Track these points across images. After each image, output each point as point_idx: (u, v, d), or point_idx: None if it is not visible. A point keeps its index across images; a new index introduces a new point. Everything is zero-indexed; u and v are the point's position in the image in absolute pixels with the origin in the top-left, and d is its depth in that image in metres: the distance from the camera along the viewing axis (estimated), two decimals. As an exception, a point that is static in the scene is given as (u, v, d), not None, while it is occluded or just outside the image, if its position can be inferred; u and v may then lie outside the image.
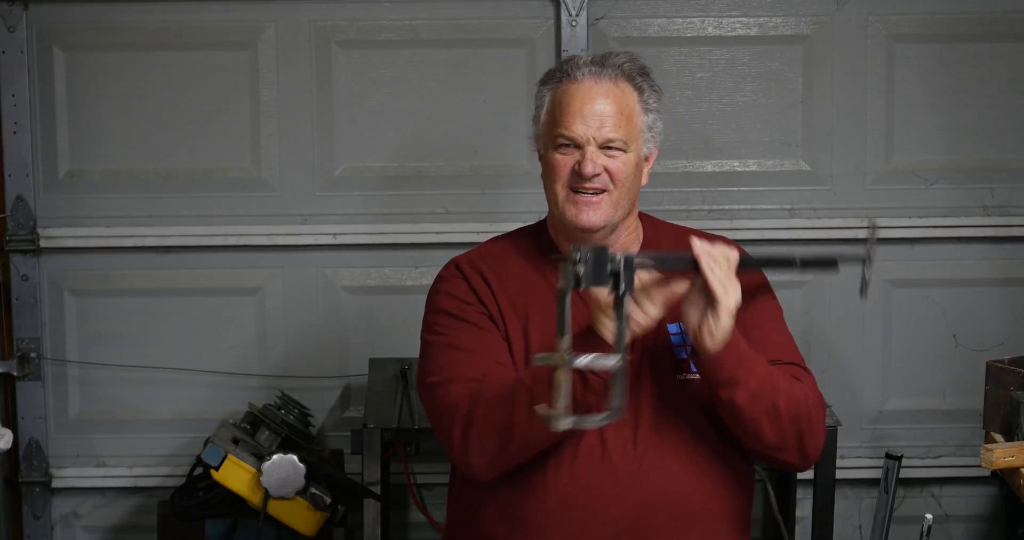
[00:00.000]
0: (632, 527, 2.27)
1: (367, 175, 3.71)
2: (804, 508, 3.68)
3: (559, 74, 2.37)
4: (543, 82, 2.40)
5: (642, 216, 2.48)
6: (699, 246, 2.18)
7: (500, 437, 2.21)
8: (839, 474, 3.45)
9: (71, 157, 3.69)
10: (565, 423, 1.97)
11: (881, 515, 3.33)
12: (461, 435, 2.25)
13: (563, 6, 3.62)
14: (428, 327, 2.41)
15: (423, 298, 2.47)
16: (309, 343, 3.77)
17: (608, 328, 2.15)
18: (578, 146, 2.31)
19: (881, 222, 3.71)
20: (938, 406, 3.81)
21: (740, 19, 3.69)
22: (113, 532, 3.86)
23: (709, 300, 2.16)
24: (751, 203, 3.70)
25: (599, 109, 2.31)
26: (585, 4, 3.62)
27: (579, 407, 2.10)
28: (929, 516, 2.98)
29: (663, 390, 2.32)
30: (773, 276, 2.47)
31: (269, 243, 3.71)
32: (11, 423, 3.72)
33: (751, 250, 2.38)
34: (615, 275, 2.06)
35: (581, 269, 2.03)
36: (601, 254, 2.05)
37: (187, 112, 3.68)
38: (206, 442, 3.32)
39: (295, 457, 3.24)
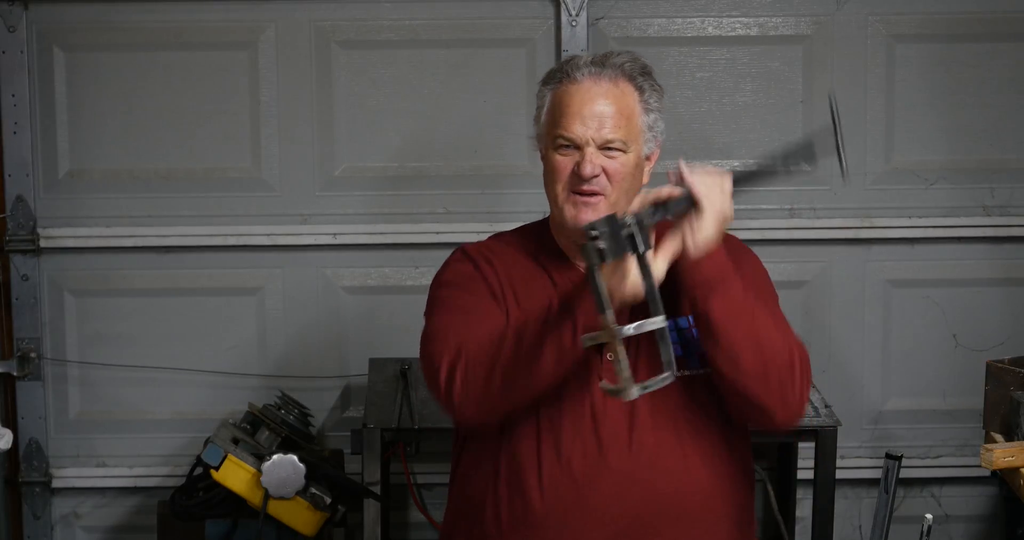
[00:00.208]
0: (631, 527, 2.26)
1: (367, 175, 3.71)
2: (804, 508, 3.68)
3: (559, 74, 2.36)
4: (544, 82, 2.40)
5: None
6: (687, 169, 2.18)
7: (487, 370, 2.20)
8: (839, 474, 3.44)
9: (71, 157, 3.69)
10: (633, 392, 1.98)
11: (881, 515, 3.34)
12: (447, 370, 2.23)
13: (563, 6, 3.62)
14: (431, 301, 2.41)
15: (423, 298, 2.46)
16: (309, 343, 3.77)
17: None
18: (578, 147, 2.31)
19: (881, 222, 3.72)
20: (938, 406, 3.81)
21: (740, 19, 3.69)
22: (113, 532, 3.86)
23: (694, 204, 2.15)
24: (751, 203, 3.69)
25: (598, 110, 2.30)
26: (585, 4, 3.62)
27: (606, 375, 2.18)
28: (929, 516, 2.98)
29: (659, 388, 2.31)
30: (773, 269, 2.48)
31: (269, 243, 3.71)
32: (11, 423, 3.72)
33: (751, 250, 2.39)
34: (631, 238, 2.07)
35: (602, 244, 2.04)
36: (613, 222, 2.07)
37: (187, 112, 3.68)
38: (206, 442, 3.32)
39: (295, 457, 3.24)
